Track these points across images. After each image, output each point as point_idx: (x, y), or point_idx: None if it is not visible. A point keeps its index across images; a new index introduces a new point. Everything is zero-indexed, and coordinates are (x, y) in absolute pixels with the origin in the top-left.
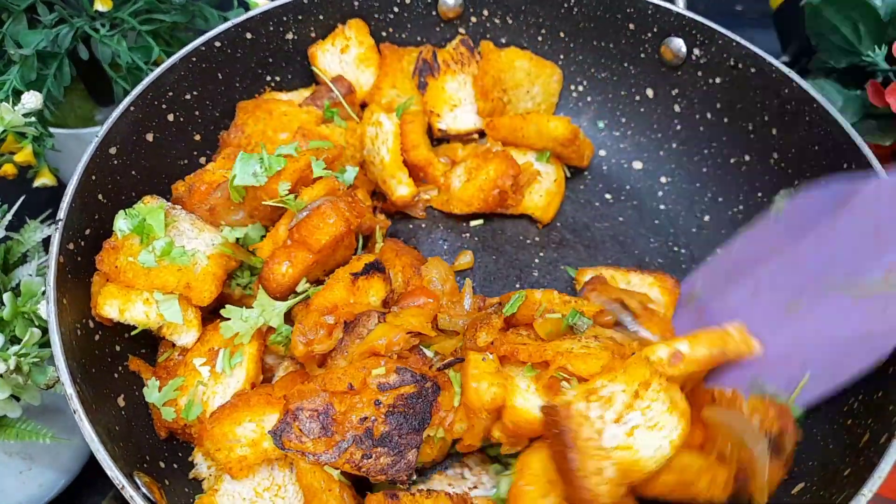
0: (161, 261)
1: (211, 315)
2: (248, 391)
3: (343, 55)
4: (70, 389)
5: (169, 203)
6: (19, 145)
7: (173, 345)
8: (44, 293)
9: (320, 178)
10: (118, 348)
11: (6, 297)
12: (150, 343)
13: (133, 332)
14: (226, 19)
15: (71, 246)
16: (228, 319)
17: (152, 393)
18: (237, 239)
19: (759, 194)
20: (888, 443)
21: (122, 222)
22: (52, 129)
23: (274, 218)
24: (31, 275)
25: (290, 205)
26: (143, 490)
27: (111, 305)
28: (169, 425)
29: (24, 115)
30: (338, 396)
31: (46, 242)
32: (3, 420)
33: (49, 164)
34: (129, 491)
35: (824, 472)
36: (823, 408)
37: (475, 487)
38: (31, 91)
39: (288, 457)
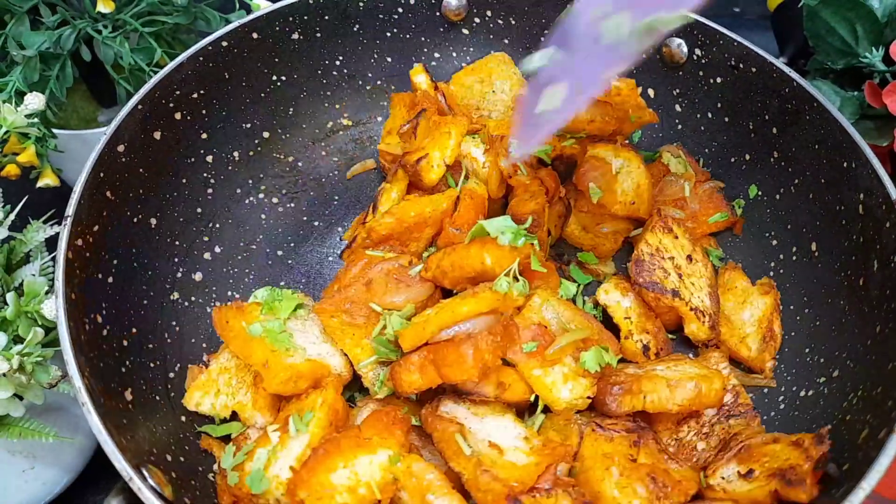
0: (263, 337)
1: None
2: (335, 436)
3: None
4: (78, 383)
5: (312, 304)
6: (22, 146)
7: None
8: (47, 293)
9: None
10: (126, 343)
11: (9, 296)
12: (158, 356)
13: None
14: (227, 21)
15: (79, 242)
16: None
17: (227, 459)
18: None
19: (760, 193)
20: (886, 438)
21: (261, 292)
22: (54, 130)
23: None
24: (34, 274)
25: (444, 312)
26: (151, 482)
27: (192, 397)
28: (233, 492)
29: (27, 116)
30: None
31: (49, 243)
32: (6, 419)
33: (52, 164)
34: (136, 483)
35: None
36: (823, 405)
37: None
38: (34, 92)
39: None
